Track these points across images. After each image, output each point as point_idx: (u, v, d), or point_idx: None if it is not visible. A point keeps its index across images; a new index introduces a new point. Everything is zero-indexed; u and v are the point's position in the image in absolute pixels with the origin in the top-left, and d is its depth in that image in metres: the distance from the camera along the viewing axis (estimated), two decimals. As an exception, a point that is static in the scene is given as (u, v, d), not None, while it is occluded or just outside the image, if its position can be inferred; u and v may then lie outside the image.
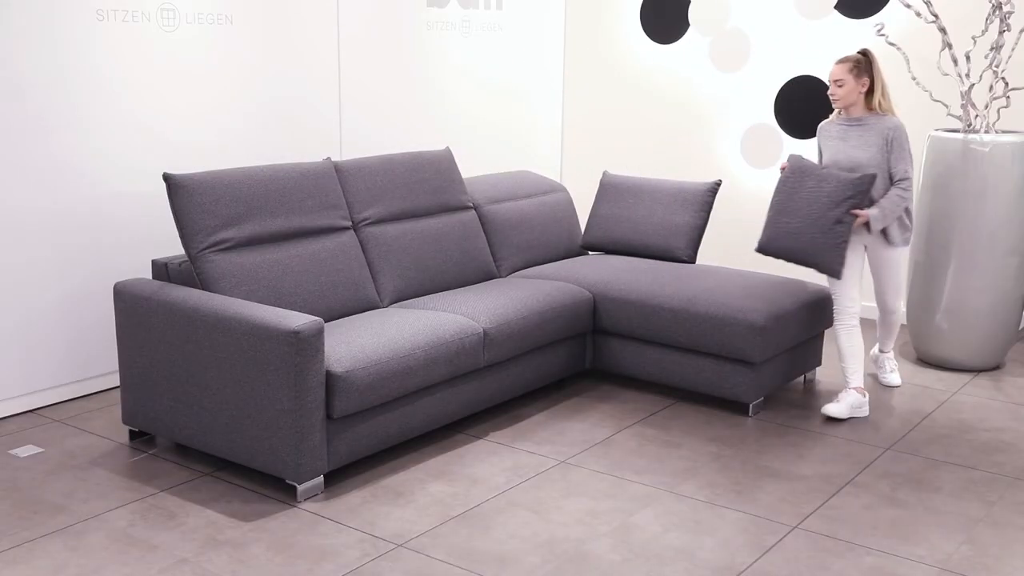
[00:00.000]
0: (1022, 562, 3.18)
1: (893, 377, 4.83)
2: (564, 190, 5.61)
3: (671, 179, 5.39)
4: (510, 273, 5.04)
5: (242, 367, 3.52)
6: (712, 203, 5.10)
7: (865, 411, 4.39)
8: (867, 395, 4.42)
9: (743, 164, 6.31)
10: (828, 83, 4.39)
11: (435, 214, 4.80)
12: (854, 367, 4.37)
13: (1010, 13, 4.86)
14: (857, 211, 4.22)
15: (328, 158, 4.49)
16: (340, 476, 3.71)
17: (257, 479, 3.69)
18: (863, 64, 4.31)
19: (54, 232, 4.34)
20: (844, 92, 4.32)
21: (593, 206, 5.43)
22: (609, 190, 5.36)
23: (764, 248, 4.40)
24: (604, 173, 5.50)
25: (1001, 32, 4.89)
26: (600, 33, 6.86)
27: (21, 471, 3.75)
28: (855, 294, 4.39)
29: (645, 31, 6.65)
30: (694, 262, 5.07)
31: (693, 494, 3.63)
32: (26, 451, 3.93)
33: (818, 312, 4.61)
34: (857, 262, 4.39)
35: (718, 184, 5.14)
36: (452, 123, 6.18)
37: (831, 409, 4.31)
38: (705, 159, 6.46)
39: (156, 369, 3.80)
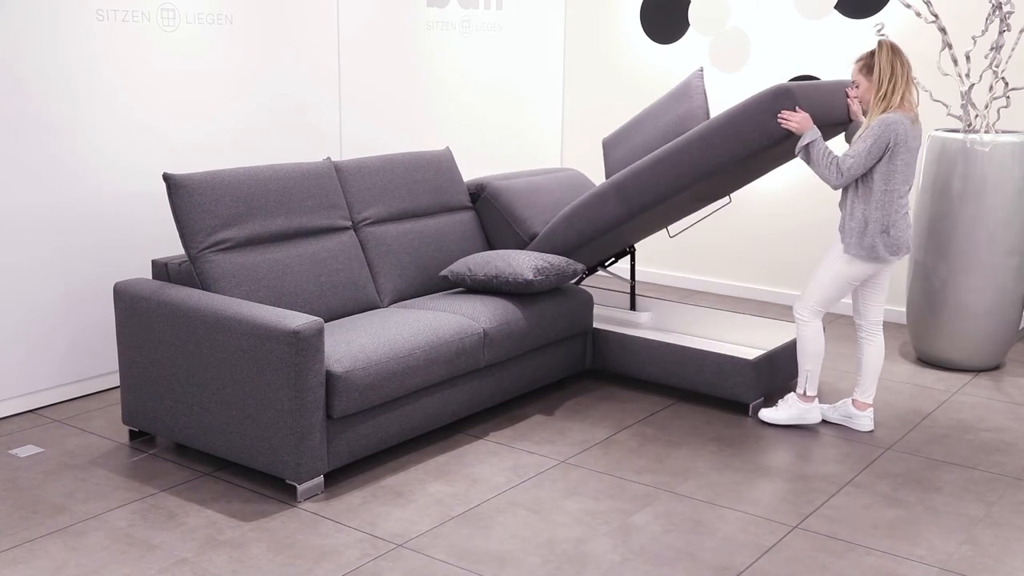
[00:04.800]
0: (1022, 562, 3.18)
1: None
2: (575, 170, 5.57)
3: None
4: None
5: (242, 367, 3.52)
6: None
7: (861, 425, 4.25)
8: (868, 410, 4.26)
9: (743, 164, 6.31)
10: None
11: (435, 214, 4.80)
12: (857, 379, 4.34)
13: (1010, 13, 4.86)
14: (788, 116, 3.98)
15: (328, 158, 4.49)
16: (340, 476, 3.71)
17: (257, 479, 3.69)
18: (871, 60, 3.97)
19: (54, 232, 4.34)
20: (860, 93, 4.04)
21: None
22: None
23: None
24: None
25: (1001, 32, 4.89)
26: (600, 33, 6.86)
27: (21, 471, 3.75)
28: (856, 306, 4.29)
29: (645, 31, 6.65)
30: None
31: (693, 494, 3.63)
32: (26, 451, 3.93)
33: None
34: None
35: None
36: (452, 123, 6.18)
37: (825, 411, 4.36)
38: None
39: (156, 369, 3.80)
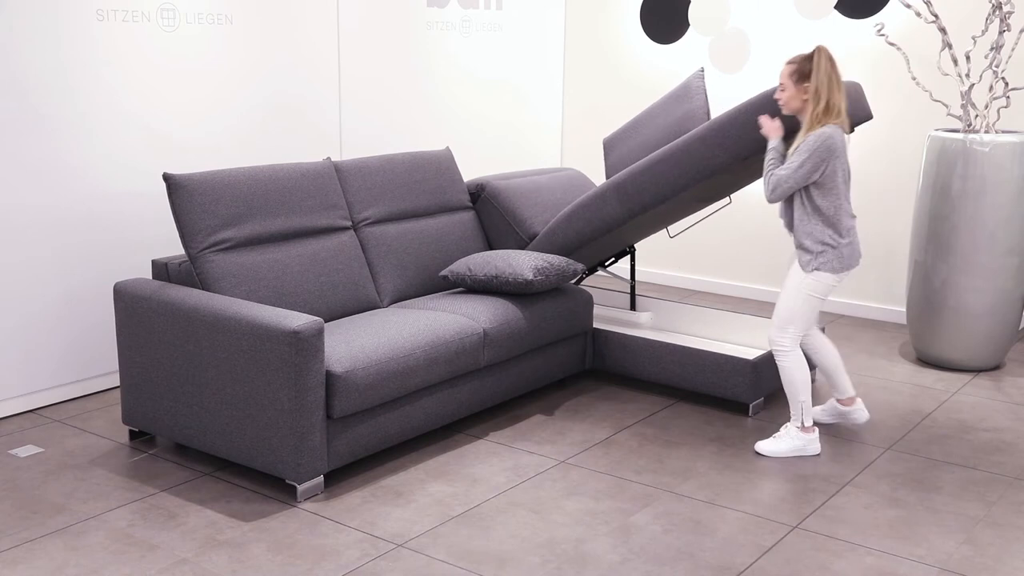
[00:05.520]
0: (1022, 562, 3.18)
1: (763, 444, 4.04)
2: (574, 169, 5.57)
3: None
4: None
5: (242, 367, 3.52)
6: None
7: (857, 418, 4.22)
8: (856, 403, 4.20)
9: (743, 164, 6.31)
10: None
11: (435, 214, 4.80)
12: (830, 382, 4.24)
13: (1010, 13, 4.87)
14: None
15: (328, 158, 4.49)
16: (340, 476, 3.71)
17: (257, 479, 3.69)
18: (807, 67, 3.78)
19: (54, 232, 4.34)
20: (786, 99, 3.86)
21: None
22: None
23: None
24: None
25: (1001, 32, 4.89)
26: (600, 33, 6.86)
27: (21, 471, 3.75)
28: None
29: (645, 31, 6.65)
30: None
31: (693, 494, 3.63)
32: (26, 451, 3.93)
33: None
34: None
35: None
36: (452, 123, 6.19)
37: (816, 413, 4.27)
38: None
39: (156, 369, 3.80)
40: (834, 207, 3.82)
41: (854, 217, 3.90)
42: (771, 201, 3.87)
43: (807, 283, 3.88)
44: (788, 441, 3.98)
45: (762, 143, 4.03)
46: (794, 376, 3.94)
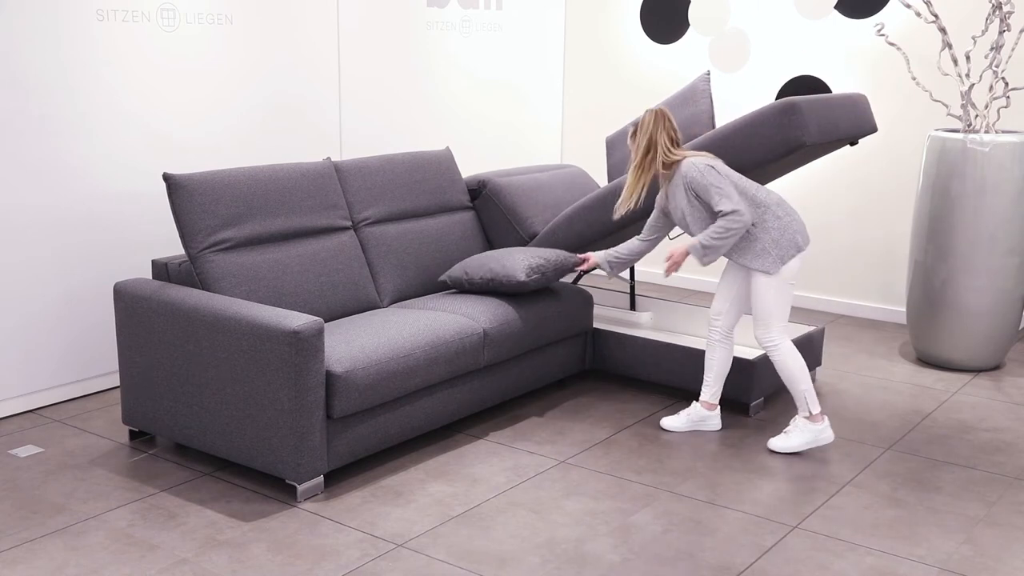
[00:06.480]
0: (1022, 562, 3.18)
1: (776, 440, 4.05)
2: (575, 166, 5.58)
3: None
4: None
5: (242, 367, 3.52)
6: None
7: (712, 425, 4.22)
8: (716, 410, 4.21)
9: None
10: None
11: (435, 214, 4.80)
12: (706, 380, 4.21)
13: (1010, 13, 4.87)
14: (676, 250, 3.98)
15: (328, 158, 4.49)
16: (340, 476, 3.71)
17: (257, 479, 3.69)
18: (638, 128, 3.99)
19: (54, 232, 4.34)
20: (631, 148, 4.04)
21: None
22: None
23: None
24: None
25: (1001, 32, 4.89)
26: (600, 33, 6.86)
27: (21, 471, 3.75)
28: (720, 306, 4.12)
29: (645, 31, 6.66)
30: None
31: (693, 494, 3.63)
32: (26, 451, 3.93)
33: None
34: (730, 275, 4.11)
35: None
36: (452, 123, 6.19)
37: (667, 422, 4.25)
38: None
39: (156, 369, 3.80)
40: (760, 190, 3.89)
41: (766, 204, 3.90)
42: (750, 216, 3.82)
43: (776, 277, 3.90)
44: (799, 435, 3.99)
45: (774, 151, 4.05)
46: (791, 367, 3.96)
